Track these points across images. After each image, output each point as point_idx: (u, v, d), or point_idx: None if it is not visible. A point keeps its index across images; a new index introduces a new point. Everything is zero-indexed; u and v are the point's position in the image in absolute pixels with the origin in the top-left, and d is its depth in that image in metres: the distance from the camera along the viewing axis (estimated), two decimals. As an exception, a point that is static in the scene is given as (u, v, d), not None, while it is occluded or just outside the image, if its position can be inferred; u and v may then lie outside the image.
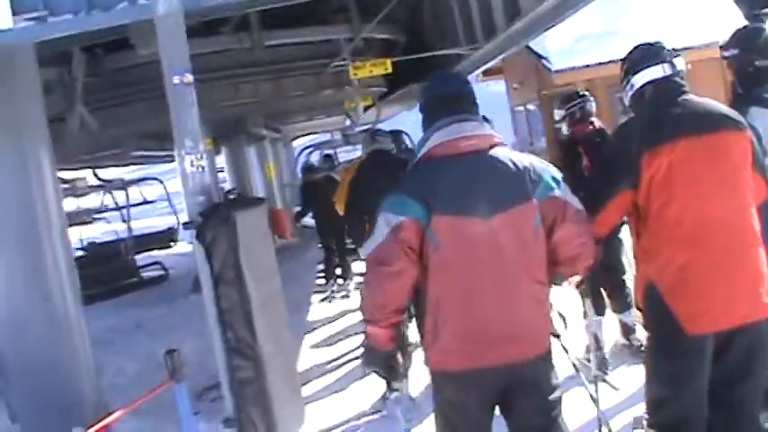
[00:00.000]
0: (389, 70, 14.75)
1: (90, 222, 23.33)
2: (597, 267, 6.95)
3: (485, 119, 6.57)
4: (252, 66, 15.06)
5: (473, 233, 3.77)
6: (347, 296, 14.98)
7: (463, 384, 3.93)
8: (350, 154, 23.45)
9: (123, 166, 24.92)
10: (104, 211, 23.61)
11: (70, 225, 21.11)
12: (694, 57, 17.85)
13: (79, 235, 20.54)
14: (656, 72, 4.39)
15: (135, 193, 23.19)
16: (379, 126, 19.00)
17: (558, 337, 4.36)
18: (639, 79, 4.46)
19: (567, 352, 4.95)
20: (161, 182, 23.77)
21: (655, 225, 4.25)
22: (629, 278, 7.75)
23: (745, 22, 6.97)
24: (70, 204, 21.74)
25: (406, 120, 21.06)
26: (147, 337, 12.36)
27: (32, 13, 5.96)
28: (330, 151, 22.98)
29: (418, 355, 7.71)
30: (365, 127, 19.72)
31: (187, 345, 10.12)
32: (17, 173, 7.54)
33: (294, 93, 16.30)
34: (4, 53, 7.14)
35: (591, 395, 5.64)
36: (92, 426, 5.14)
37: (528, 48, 19.62)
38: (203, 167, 5.40)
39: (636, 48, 4.67)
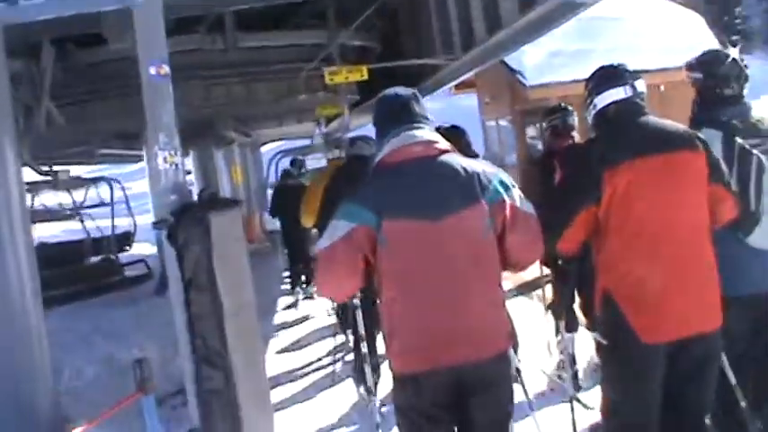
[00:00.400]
0: (365, 77, 14.59)
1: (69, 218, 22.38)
2: (570, 284, 6.97)
3: (458, 128, 6.95)
4: (225, 67, 14.84)
5: (423, 236, 3.82)
6: (311, 298, 14.97)
7: (420, 386, 3.93)
8: (320, 162, 23.26)
9: (77, 164, 24.28)
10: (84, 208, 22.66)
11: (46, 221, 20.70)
12: (668, 78, 17.91)
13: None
14: (617, 93, 4.55)
15: (91, 194, 22.53)
16: (354, 134, 18.88)
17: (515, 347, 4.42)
18: (602, 100, 4.60)
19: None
20: (119, 183, 23.18)
21: (613, 239, 4.40)
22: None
23: (719, 47, 7.04)
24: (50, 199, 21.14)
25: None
26: (106, 340, 12.05)
27: None
28: (299, 157, 22.77)
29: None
30: (351, 134, 19.54)
31: (148, 348, 9.86)
32: None
33: (266, 96, 16.07)
34: None
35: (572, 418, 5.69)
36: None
37: (502, 62, 19.49)
38: (177, 165, 5.15)
39: (599, 69, 4.80)
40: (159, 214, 5.18)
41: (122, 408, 5.04)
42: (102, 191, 22.54)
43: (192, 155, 23.68)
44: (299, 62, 15.43)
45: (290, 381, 9.75)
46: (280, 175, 20.40)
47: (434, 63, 14.58)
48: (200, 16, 13.56)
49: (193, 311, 4.99)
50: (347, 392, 8.27)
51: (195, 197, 18.36)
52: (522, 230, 3.98)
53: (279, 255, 18.00)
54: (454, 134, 7.02)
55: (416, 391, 3.94)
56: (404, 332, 3.92)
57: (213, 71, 14.95)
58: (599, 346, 7.93)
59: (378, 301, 4.16)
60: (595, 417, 6.94)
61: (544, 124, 8.50)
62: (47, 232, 23.08)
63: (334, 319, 11.10)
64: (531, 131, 20.64)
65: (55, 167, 17.23)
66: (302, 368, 10.37)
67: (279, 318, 14.27)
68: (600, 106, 4.61)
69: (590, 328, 8.00)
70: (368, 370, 7.46)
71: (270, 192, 20.86)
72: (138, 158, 21.58)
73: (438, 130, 7.67)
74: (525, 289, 11.91)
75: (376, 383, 7.74)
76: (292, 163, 20.06)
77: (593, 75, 4.77)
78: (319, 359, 10.56)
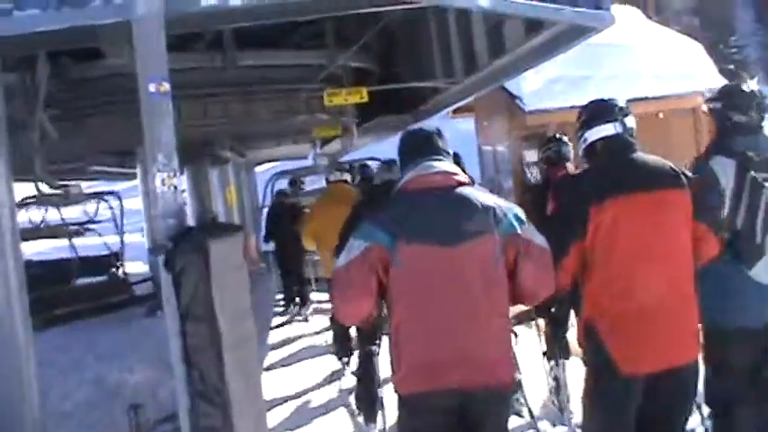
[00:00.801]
0: (365, 99, 14.44)
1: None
2: (564, 312, 7.08)
3: (456, 155, 6.69)
4: (222, 85, 14.63)
5: (437, 260, 4.04)
6: (306, 320, 15.36)
7: (422, 407, 4.12)
8: (317, 183, 23.14)
9: (70, 180, 23.90)
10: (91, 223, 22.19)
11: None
12: (668, 105, 17.82)
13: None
14: (607, 129, 4.76)
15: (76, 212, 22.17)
16: (347, 157, 18.80)
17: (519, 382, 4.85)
18: (592, 135, 4.82)
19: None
20: (120, 199, 22.76)
21: (597, 272, 4.62)
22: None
23: (719, 75, 7.42)
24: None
25: (374, 150, 20.70)
26: (97, 361, 11.84)
27: None
28: (300, 177, 22.68)
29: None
30: (355, 158, 19.39)
31: (138, 371, 9.65)
32: None
33: (265, 116, 15.89)
34: None
35: None
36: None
37: (501, 87, 19.36)
38: (176, 187, 4.94)
39: (591, 103, 5.07)
40: (156, 239, 4.94)
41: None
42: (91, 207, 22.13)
43: (186, 173, 23.46)
44: (299, 82, 15.21)
45: (284, 401, 9.56)
46: (274, 195, 20.26)
47: (434, 86, 14.39)
48: (198, 33, 13.38)
49: (190, 343, 4.72)
50: (341, 420, 8.09)
51: (191, 219, 18.34)
52: (534, 263, 4.18)
53: (273, 276, 17.87)
54: (457, 160, 7.16)
55: (418, 411, 4.13)
56: (411, 352, 4.12)
57: (211, 89, 14.71)
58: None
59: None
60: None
61: (539, 153, 8.62)
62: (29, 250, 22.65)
63: (328, 342, 10.97)
64: (528, 157, 20.50)
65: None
66: (296, 393, 10.18)
67: (271, 338, 14.30)
68: (590, 140, 4.84)
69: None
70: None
71: (264, 212, 20.62)
72: (132, 176, 21.24)
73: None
74: (523, 317, 11.78)
75: (377, 413, 7.65)
76: (291, 183, 20.06)
77: (584, 108, 5.02)
78: (317, 384, 10.39)
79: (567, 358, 8.07)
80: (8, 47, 8.70)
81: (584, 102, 5.14)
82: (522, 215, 4.26)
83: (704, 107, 5.66)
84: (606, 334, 4.60)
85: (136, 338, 12.55)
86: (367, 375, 8.05)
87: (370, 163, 16.33)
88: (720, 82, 20.70)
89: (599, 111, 4.90)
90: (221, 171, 26.31)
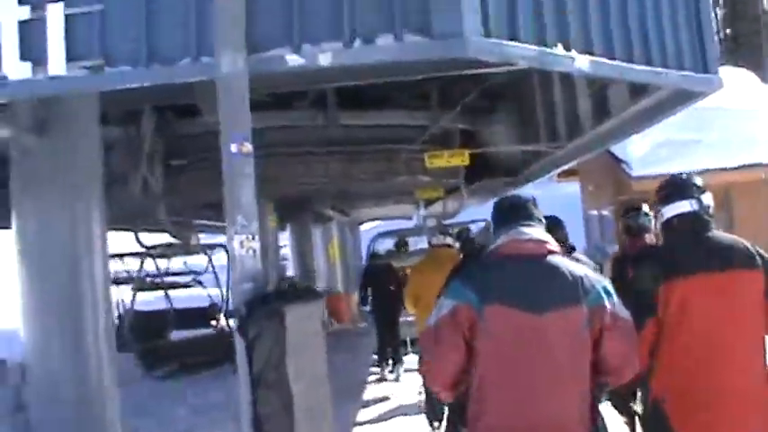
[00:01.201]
0: (467, 162, 14.28)
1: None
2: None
3: (556, 219, 7.03)
4: (324, 144, 14.65)
5: (522, 326, 4.00)
6: (397, 380, 15.18)
7: None
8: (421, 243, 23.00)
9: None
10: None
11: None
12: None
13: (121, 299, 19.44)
14: (683, 207, 4.74)
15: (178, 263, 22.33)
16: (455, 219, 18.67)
17: None
18: (668, 211, 4.81)
19: None
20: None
21: (667, 349, 4.56)
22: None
23: None
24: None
25: (475, 214, 20.47)
26: (189, 413, 11.85)
27: (87, 61, 5.56)
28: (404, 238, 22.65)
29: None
30: (454, 221, 19.25)
31: (228, 428, 9.58)
32: (64, 228, 7.51)
33: (364, 176, 15.86)
34: (63, 100, 6.83)
35: None
36: None
37: (607, 151, 19.05)
38: (255, 250, 4.80)
39: (668, 180, 5.05)
40: (235, 303, 4.81)
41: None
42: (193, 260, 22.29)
43: (288, 230, 23.61)
44: (400, 143, 15.12)
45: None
46: (369, 256, 20.44)
47: (538, 150, 14.18)
48: (302, 92, 13.45)
49: (261, 411, 4.56)
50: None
51: (295, 273, 18.36)
52: (618, 338, 4.10)
53: (372, 334, 17.86)
54: (553, 225, 7.03)
55: None
56: (491, 415, 4.04)
57: (313, 148, 14.74)
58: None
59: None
60: None
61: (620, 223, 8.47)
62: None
63: (421, 404, 10.87)
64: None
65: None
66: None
67: (365, 395, 14.20)
68: (666, 217, 4.82)
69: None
70: None
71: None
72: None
73: (547, 218, 7.76)
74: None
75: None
76: (396, 245, 20.11)
77: (663, 184, 5.00)
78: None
79: None
80: (114, 101, 8.93)
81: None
82: (611, 288, 4.18)
83: None
84: (673, 413, 4.53)
85: (229, 394, 12.49)
86: None
87: (472, 226, 16.21)
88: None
89: (677, 187, 4.89)
90: (325, 229, 26.52)
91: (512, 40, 5.76)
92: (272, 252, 18.24)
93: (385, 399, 13.41)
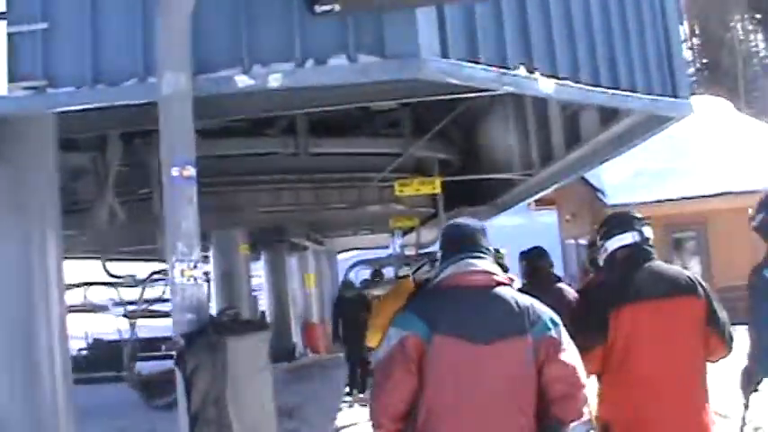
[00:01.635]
0: (437, 190, 14.13)
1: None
2: None
3: (541, 250, 7.60)
4: (295, 172, 14.48)
5: (468, 356, 4.02)
6: (365, 405, 14.88)
7: None
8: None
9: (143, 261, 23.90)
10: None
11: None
12: (754, 200, 17.12)
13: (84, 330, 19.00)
14: (626, 239, 4.94)
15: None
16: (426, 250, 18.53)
17: None
18: (612, 244, 4.99)
19: None
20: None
21: (614, 373, 4.72)
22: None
23: None
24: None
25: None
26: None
27: (30, 82, 5.36)
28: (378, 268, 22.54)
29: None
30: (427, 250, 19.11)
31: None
32: (18, 257, 7.09)
33: (336, 205, 15.69)
34: (14, 123, 6.63)
35: None
36: None
37: (583, 179, 18.99)
38: (196, 279, 4.57)
39: (611, 215, 5.36)
40: (173, 336, 4.57)
41: None
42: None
43: (263, 259, 23.39)
44: (372, 171, 14.96)
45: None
46: (339, 286, 20.29)
47: (511, 177, 14.03)
48: (272, 119, 13.29)
49: (199, 450, 4.31)
50: None
51: (268, 305, 18.16)
52: (562, 365, 4.10)
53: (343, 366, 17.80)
54: (538, 256, 7.57)
55: None
56: None
57: (283, 176, 14.58)
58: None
59: None
60: None
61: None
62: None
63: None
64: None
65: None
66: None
67: (338, 420, 14.25)
68: (610, 249, 5.00)
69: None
70: None
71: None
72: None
73: (526, 253, 7.92)
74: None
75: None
76: (373, 274, 20.10)
77: (605, 220, 5.26)
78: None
79: None
80: (81, 127, 8.73)
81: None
82: (557, 319, 4.21)
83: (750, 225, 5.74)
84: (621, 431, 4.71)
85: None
86: None
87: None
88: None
89: (618, 221, 5.13)
90: (301, 258, 26.28)
91: (471, 60, 5.58)
92: (243, 282, 18.03)
93: (358, 423, 13.29)
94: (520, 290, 4.47)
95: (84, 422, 8.42)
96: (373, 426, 4.32)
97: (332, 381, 18.20)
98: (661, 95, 7.49)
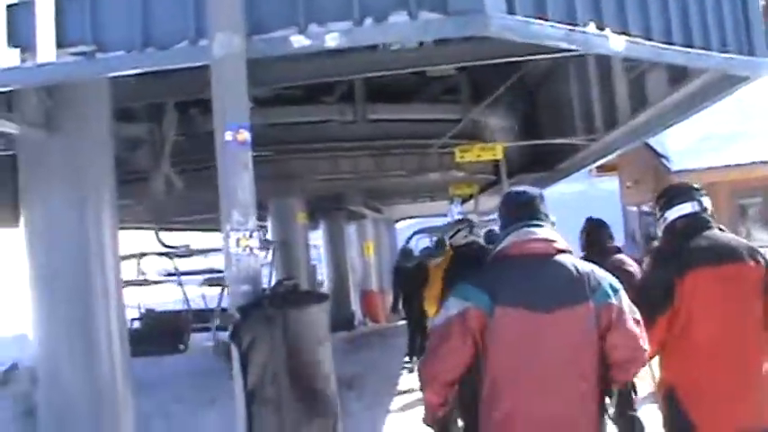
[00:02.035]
0: (499, 156, 13.83)
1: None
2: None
3: (600, 221, 7.73)
4: (353, 140, 14.28)
5: (531, 325, 4.06)
6: None
7: None
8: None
9: (201, 231, 23.76)
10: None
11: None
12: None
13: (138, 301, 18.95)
14: (686, 208, 5.05)
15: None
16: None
17: None
18: (672, 213, 5.10)
19: None
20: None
21: (678, 339, 4.80)
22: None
23: None
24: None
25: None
26: (220, 415, 11.56)
27: (78, 47, 5.22)
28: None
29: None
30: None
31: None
32: (74, 228, 7.18)
33: (395, 172, 15.47)
34: (70, 93, 6.63)
35: None
36: None
37: (647, 144, 18.52)
38: (251, 249, 4.37)
39: (670, 186, 5.50)
40: (230, 308, 4.38)
41: None
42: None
43: (321, 227, 23.32)
44: (432, 138, 14.71)
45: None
46: (398, 255, 20.10)
47: (574, 143, 13.71)
48: (331, 85, 13.11)
49: (255, 429, 4.10)
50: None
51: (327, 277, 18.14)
52: (625, 333, 4.16)
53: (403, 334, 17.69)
54: (597, 227, 7.67)
55: None
56: (506, 406, 4.09)
57: (341, 143, 14.39)
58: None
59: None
60: None
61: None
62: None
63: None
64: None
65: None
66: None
67: (400, 385, 14.31)
68: (669, 219, 5.11)
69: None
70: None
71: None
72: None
73: (589, 223, 8.09)
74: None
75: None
76: (437, 244, 20.06)
77: (663, 191, 5.36)
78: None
79: None
80: (137, 97, 8.64)
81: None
82: (618, 285, 4.26)
83: None
84: (687, 398, 4.79)
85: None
86: None
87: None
88: None
89: (678, 192, 5.23)
90: (359, 226, 26.18)
91: (539, 18, 5.31)
92: (301, 251, 17.92)
93: (412, 390, 13.24)
94: None
95: (142, 392, 8.39)
96: (421, 388, 4.40)
97: (391, 350, 17.99)
98: (736, 53, 7.13)
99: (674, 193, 5.25)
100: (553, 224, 4.63)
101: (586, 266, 4.28)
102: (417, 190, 20.33)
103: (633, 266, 7.32)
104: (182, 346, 17.59)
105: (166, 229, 21.13)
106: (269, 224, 17.64)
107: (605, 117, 12.19)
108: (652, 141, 17.88)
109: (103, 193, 7.45)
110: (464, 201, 21.58)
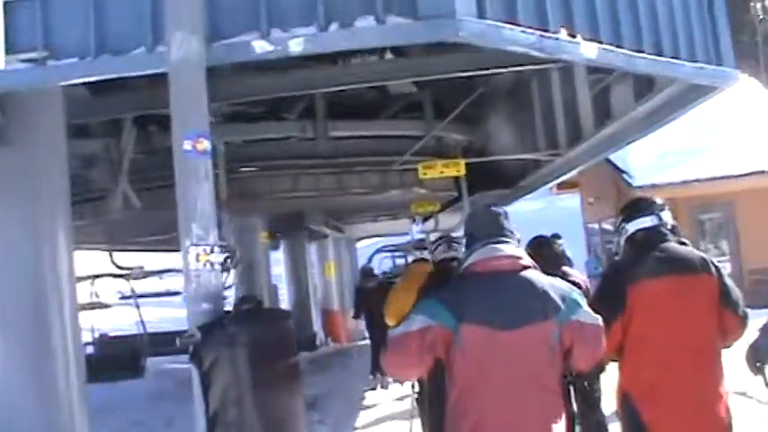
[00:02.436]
0: (462, 172, 13.68)
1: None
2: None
3: (557, 236, 7.74)
4: (314, 157, 14.07)
5: (496, 342, 4.11)
6: (385, 387, 15.59)
7: None
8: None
9: (157, 251, 23.46)
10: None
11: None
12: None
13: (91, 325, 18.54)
14: (646, 222, 5.26)
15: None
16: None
17: None
18: (632, 226, 5.30)
19: None
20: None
21: (632, 346, 4.99)
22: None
23: None
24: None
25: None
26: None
27: (29, 53, 5.03)
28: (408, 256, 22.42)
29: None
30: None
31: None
32: (27, 244, 6.90)
33: (357, 189, 15.29)
34: (22, 105, 6.37)
35: None
36: None
37: (608, 161, 18.54)
38: (212, 264, 4.15)
39: (633, 200, 5.72)
40: (189, 328, 4.15)
41: None
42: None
43: (282, 247, 23.12)
44: (393, 155, 14.54)
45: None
46: (359, 273, 20.01)
47: (537, 158, 13.58)
48: (292, 102, 12.94)
49: (218, 456, 3.85)
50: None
51: (290, 295, 18.03)
52: (587, 346, 4.33)
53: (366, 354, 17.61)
54: (540, 245, 7.68)
55: None
56: (474, 418, 4.12)
57: (302, 161, 14.20)
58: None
59: None
60: None
61: None
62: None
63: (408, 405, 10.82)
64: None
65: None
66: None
67: (363, 402, 14.48)
68: (630, 231, 5.30)
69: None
70: None
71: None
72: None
73: (535, 239, 8.08)
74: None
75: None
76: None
77: (627, 205, 5.60)
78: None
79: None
80: (95, 112, 8.41)
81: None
82: (581, 299, 4.37)
83: None
84: (640, 402, 4.96)
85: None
86: None
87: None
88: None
89: (640, 206, 5.43)
90: (320, 246, 26.00)
91: (509, 23, 5.16)
92: (263, 271, 17.73)
93: (376, 405, 13.65)
94: None
95: (99, 417, 8.14)
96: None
97: (354, 369, 17.98)
98: (705, 63, 7.04)
99: (636, 207, 5.45)
100: (519, 241, 4.59)
101: (552, 282, 4.35)
102: (379, 208, 20.16)
103: (578, 278, 7.65)
104: (138, 371, 17.26)
105: (120, 250, 20.83)
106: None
107: (569, 132, 12.05)
108: (613, 157, 17.89)
109: (58, 210, 7.20)
110: (425, 219, 21.47)
